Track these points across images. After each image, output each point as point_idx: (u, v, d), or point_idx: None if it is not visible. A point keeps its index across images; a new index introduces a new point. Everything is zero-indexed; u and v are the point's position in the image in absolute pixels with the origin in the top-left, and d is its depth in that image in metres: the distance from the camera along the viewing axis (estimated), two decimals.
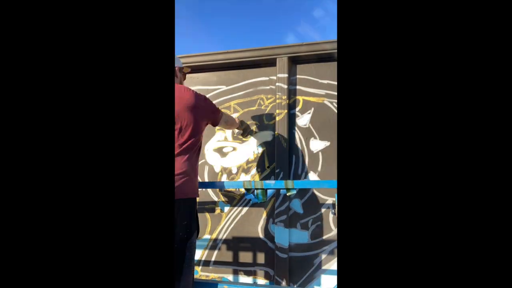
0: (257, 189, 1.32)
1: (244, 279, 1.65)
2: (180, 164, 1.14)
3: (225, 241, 1.70)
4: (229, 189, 1.72)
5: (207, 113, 1.29)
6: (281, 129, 1.68)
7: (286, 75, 1.71)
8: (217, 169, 1.78)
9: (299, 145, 1.69)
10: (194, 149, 1.21)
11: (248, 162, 1.74)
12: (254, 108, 1.79)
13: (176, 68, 1.38)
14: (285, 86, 1.71)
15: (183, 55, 1.83)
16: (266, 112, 1.76)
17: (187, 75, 1.89)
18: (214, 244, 1.71)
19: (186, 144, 1.17)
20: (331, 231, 1.57)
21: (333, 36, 1.82)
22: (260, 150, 1.73)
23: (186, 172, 1.15)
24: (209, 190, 1.76)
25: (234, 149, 1.76)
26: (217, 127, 1.63)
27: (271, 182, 1.31)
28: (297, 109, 1.72)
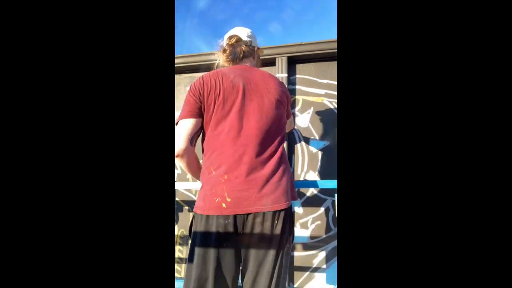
0: None
1: None
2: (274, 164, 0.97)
3: None
4: None
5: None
6: None
7: (286, 75, 1.71)
8: None
9: (299, 145, 1.69)
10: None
11: None
12: None
13: (255, 49, 1.20)
14: None
15: (183, 55, 1.83)
16: None
17: (187, 75, 1.89)
18: None
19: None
20: (331, 231, 1.57)
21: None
22: None
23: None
24: None
25: None
26: None
27: None
28: (296, 108, 1.72)
